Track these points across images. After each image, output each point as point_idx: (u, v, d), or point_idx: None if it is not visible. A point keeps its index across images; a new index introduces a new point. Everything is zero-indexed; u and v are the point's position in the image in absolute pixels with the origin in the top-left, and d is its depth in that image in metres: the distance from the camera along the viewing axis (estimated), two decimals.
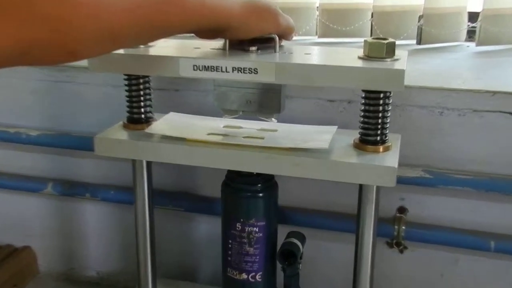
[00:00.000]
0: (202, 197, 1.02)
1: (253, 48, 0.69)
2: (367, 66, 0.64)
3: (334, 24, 1.09)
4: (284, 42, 0.73)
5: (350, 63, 0.65)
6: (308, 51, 0.72)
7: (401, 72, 0.62)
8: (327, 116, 0.90)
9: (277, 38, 0.69)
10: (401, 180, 0.86)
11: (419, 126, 0.88)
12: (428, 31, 1.06)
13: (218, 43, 0.73)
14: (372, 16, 1.08)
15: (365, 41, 0.67)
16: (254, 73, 0.66)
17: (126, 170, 0.86)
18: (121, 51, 0.71)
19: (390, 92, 0.68)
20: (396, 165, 0.66)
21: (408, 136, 0.85)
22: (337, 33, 1.10)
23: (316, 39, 1.13)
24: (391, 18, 1.07)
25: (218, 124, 0.79)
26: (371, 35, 1.07)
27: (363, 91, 0.68)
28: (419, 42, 1.08)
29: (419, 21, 1.07)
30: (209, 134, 0.75)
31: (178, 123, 0.79)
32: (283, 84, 0.73)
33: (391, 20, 1.07)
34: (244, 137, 0.74)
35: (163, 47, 0.74)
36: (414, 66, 0.94)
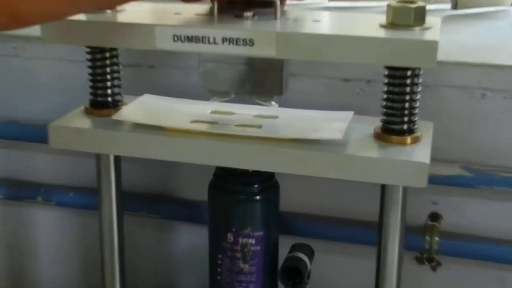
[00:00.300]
0: (184, 201, 1.02)
1: (249, 14, 0.69)
2: (391, 37, 0.64)
3: None
4: (287, 7, 0.73)
5: (369, 33, 0.65)
6: (317, 17, 0.72)
7: (433, 44, 0.62)
8: (341, 99, 0.90)
9: (278, 1, 0.69)
10: (433, 180, 0.83)
11: (455, 112, 0.88)
12: None
13: (204, 7, 0.73)
14: None
15: (388, 5, 0.67)
16: (249, 45, 0.66)
17: (89, 167, 0.86)
18: (82, 17, 0.71)
19: (419, 69, 0.68)
20: (427, 161, 0.66)
21: (443, 124, 0.85)
22: None
23: (326, 2, 1.12)
24: None
25: (205, 109, 0.79)
26: None
27: (386, 68, 0.69)
28: (454, 6, 1.08)
29: None
30: (193, 121, 0.75)
31: (154, 108, 0.80)
32: (285, 59, 0.73)
33: None
34: (237, 125, 0.74)
35: (135, 12, 0.73)
36: (448, 37, 0.94)
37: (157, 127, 0.73)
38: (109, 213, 0.83)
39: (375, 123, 0.72)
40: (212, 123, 0.75)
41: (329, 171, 0.69)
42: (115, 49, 0.78)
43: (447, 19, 1.04)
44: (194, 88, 0.81)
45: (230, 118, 0.76)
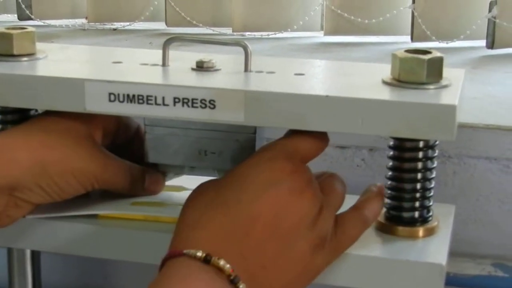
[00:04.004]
0: None
1: (209, 63, 0.70)
2: (394, 99, 0.64)
3: (351, 14, 1.12)
4: (264, 59, 0.74)
5: (367, 93, 0.64)
6: (301, 68, 0.73)
7: (450, 110, 0.62)
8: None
9: (249, 48, 0.69)
10: (456, 281, 0.84)
11: (486, 192, 0.87)
12: (505, 27, 1.08)
13: (152, 55, 0.74)
14: (414, 2, 1.10)
15: (393, 55, 0.66)
16: (209, 107, 0.66)
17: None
18: None
19: (435, 140, 0.68)
20: (444, 261, 0.65)
21: (468, 208, 0.86)
22: (355, 28, 1.13)
23: (321, 37, 1.16)
24: (444, 5, 1.09)
25: None
26: (411, 32, 1.08)
27: (391, 136, 0.68)
28: (490, 45, 1.09)
29: (490, 11, 1.09)
30: (134, 203, 0.74)
31: None
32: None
33: (444, 9, 1.08)
34: None
35: (58, 61, 0.73)
36: (479, 89, 0.93)
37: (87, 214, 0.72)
38: None
39: None
40: (160, 204, 0.75)
41: None
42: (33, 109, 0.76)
43: (480, 62, 1.05)
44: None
45: (184, 197, 0.74)
